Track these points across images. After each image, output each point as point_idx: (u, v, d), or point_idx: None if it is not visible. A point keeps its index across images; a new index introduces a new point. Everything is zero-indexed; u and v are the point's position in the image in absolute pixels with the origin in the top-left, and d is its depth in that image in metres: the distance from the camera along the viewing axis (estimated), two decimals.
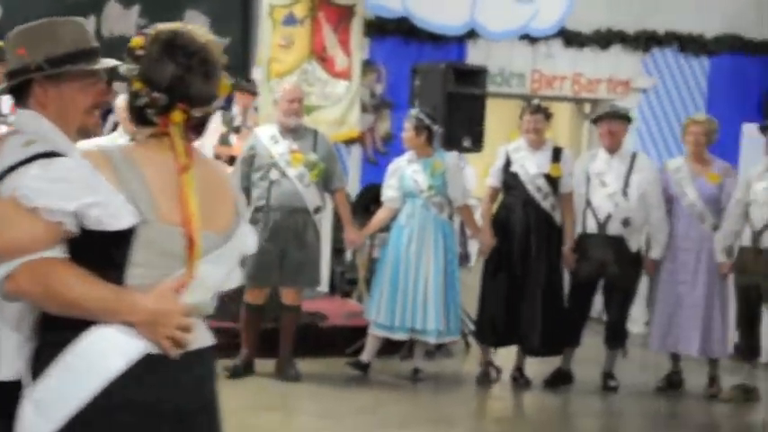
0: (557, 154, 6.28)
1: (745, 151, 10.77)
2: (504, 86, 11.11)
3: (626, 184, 6.21)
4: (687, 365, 6.49)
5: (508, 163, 6.27)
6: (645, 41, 11.53)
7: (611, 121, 6.31)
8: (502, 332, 6.19)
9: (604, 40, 11.39)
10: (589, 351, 6.46)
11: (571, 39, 11.18)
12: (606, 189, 6.21)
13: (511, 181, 6.25)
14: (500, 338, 6.26)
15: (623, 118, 6.41)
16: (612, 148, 6.30)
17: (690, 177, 6.31)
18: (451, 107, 7.48)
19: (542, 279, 6.15)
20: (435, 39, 9.85)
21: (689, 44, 11.68)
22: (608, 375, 6.37)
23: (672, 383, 6.45)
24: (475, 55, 10.54)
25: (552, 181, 6.19)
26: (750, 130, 10.94)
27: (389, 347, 6.47)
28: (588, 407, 6.07)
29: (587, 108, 11.55)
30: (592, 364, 6.43)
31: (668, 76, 11.78)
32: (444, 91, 7.51)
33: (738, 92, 11.86)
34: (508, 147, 6.40)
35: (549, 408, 6.10)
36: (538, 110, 6.26)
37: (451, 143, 7.32)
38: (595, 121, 6.49)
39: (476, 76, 8.00)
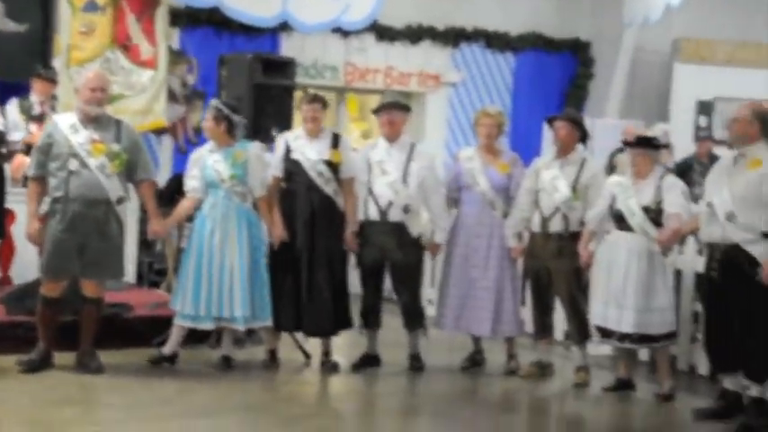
0: (335, 140, 6.40)
1: (548, 144, 11.28)
2: (318, 78, 11.23)
3: (405, 173, 6.40)
4: (490, 345, 6.75)
5: (288, 151, 6.33)
6: (453, 37, 11.90)
7: (391, 110, 6.49)
8: (291, 316, 6.26)
9: (415, 35, 11.69)
10: (400, 334, 6.60)
11: (383, 33, 11.42)
12: (387, 177, 6.39)
13: (293, 168, 6.32)
14: (286, 323, 6.31)
15: (403, 108, 6.62)
16: (392, 138, 6.48)
17: (481, 167, 6.56)
18: (259, 98, 7.50)
19: (326, 262, 6.26)
20: (248, 30, 9.84)
21: (495, 40, 12.14)
22: (413, 357, 6.54)
23: (475, 362, 6.69)
24: (289, 47, 10.60)
25: (333, 167, 6.30)
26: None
27: (198, 336, 6.43)
28: (394, 388, 6.21)
29: None
30: (402, 347, 6.58)
31: (476, 71, 12.20)
32: (251, 82, 7.51)
33: (542, 87, 12.42)
34: (287, 136, 6.48)
35: (356, 390, 6.22)
36: (314, 99, 6.38)
37: (259, 134, 7.34)
38: (376, 111, 6.62)
39: (284, 67, 8.04)
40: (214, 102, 6.43)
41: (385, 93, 7.51)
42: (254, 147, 6.47)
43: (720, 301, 5.47)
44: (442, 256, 6.76)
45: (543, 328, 6.56)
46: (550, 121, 6.57)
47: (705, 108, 12.53)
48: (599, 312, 6.15)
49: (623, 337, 6.00)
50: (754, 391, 5.40)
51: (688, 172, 10.10)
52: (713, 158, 11.11)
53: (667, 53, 12.68)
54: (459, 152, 6.92)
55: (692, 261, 6.70)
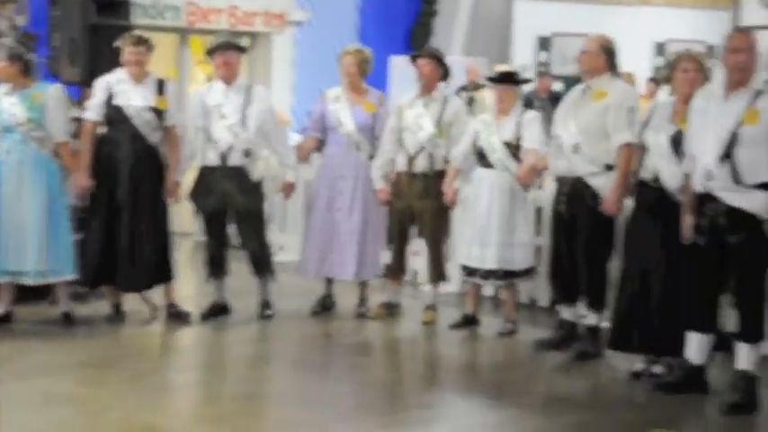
0: (161, 86, 6.19)
1: (394, 82, 11.33)
2: (159, 19, 10.84)
3: (244, 115, 6.26)
4: (339, 288, 6.77)
5: (110, 96, 6.08)
6: None
7: (226, 51, 6.31)
8: (102, 270, 6.06)
9: None
10: (250, 282, 6.54)
11: None
12: (225, 121, 6.23)
13: (115, 115, 6.05)
14: (99, 277, 6.11)
15: (237, 48, 6.44)
16: (228, 80, 6.32)
17: (347, 106, 6.49)
18: (95, 40, 7.16)
19: (149, 214, 6.08)
20: None
21: None
22: (263, 304, 6.49)
23: (325, 306, 6.70)
24: None
25: (159, 114, 6.10)
26: (398, 62, 11.53)
27: (36, 293, 6.19)
28: (244, 335, 6.18)
29: (246, 41, 11.51)
30: (252, 294, 6.52)
31: (321, 10, 12.06)
32: (85, 22, 7.16)
33: (387, 25, 12.40)
34: (108, 79, 6.15)
35: (206, 340, 6.14)
36: (139, 41, 6.13)
37: (97, 76, 7.03)
38: (209, 52, 6.38)
39: (120, 6, 7.69)
40: (6, 41, 6.10)
41: (217, 33, 7.27)
42: (55, 89, 6.10)
43: (566, 233, 5.63)
44: (302, 198, 6.68)
45: (398, 268, 6.59)
46: (414, 59, 6.50)
47: (544, 44, 12.82)
48: (464, 251, 6.22)
49: (488, 273, 6.12)
50: (590, 319, 5.63)
51: (528, 108, 10.33)
52: (552, 94, 11.42)
53: None
54: (325, 92, 6.84)
55: (551, 197, 6.83)
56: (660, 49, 12.95)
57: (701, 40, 11.51)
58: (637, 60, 11.68)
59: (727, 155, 4.61)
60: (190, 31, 11.27)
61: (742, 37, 4.81)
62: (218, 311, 6.43)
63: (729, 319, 4.90)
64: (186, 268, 7.49)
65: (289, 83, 11.70)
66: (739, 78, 4.68)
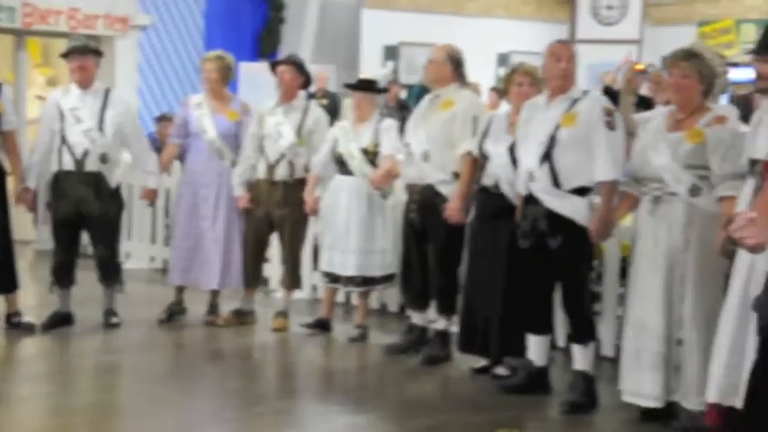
0: None
1: (243, 88, 11.25)
2: None
3: (101, 120, 6.13)
4: (189, 295, 6.67)
5: None
6: None
7: (82, 55, 6.15)
8: None
9: None
10: (95, 290, 6.37)
11: None
12: (81, 125, 6.09)
13: None
14: None
15: (94, 52, 6.30)
16: (85, 84, 6.17)
17: (209, 114, 6.41)
18: None
19: None
20: None
21: None
22: (109, 312, 6.34)
23: (174, 314, 6.59)
24: None
25: None
26: (247, 68, 11.47)
27: None
28: (89, 345, 6.00)
29: None
30: (96, 303, 6.35)
31: (166, 14, 11.85)
32: None
33: (234, 31, 12.30)
34: None
35: (49, 350, 5.92)
36: None
37: None
38: (65, 55, 6.21)
39: None
40: None
41: (71, 36, 7.06)
42: None
43: (417, 239, 5.73)
44: (161, 205, 6.54)
45: (253, 276, 6.54)
46: (273, 66, 6.48)
47: (392, 53, 13.02)
48: (326, 258, 6.23)
49: (348, 280, 6.14)
50: (440, 324, 5.76)
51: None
52: (400, 103, 11.60)
53: None
54: (188, 98, 6.70)
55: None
56: (503, 59, 13.36)
57: (542, 51, 11.89)
58: (481, 70, 12.02)
59: (547, 157, 4.79)
60: (26, 32, 10.84)
61: (563, 47, 5.00)
62: (60, 321, 6.23)
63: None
64: (28, 277, 7.21)
65: (133, 87, 11.43)
66: (561, 85, 4.87)
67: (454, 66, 5.65)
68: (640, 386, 4.56)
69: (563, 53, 4.92)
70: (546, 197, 4.81)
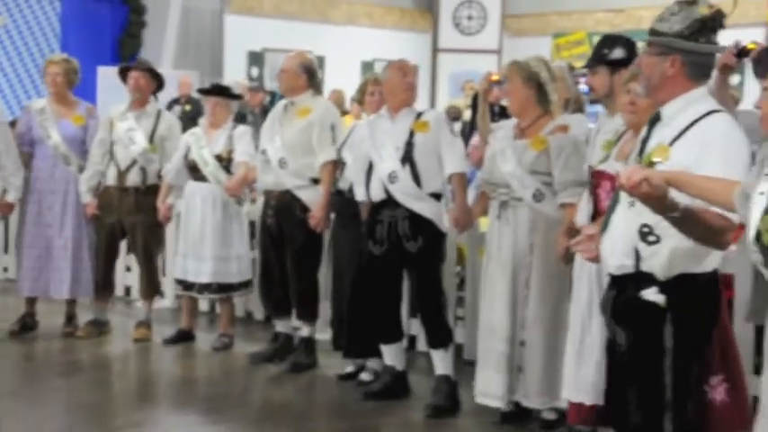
0: None
1: (101, 93, 10.97)
2: None
3: None
4: (44, 306, 6.44)
5: None
6: None
7: None
8: None
9: None
10: None
11: None
12: None
13: None
14: None
15: None
16: None
17: (53, 119, 6.21)
18: None
19: None
20: None
21: None
22: None
23: (25, 326, 6.35)
24: None
25: None
26: (105, 73, 11.17)
27: None
28: None
29: None
30: None
31: (19, 16, 11.45)
32: None
33: (92, 34, 11.98)
34: None
35: None
36: None
37: None
38: None
39: None
40: None
41: None
42: None
43: (275, 246, 5.69)
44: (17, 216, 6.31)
45: (105, 285, 6.38)
46: (124, 72, 6.32)
47: (256, 59, 12.94)
48: (179, 265, 6.12)
49: (203, 287, 6.05)
50: (304, 331, 5.74)
51: (241, 122, 10.37)
52: (265, 109, 11.52)
53: (218, 3, 12.86)
54: (30, 103, 6.43)
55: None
56: (368, 67, 13.47)
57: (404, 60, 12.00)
58: (345, 78, 12.10)
59: (408, 158, 4.91)
60: None
61: (408, 63, 5.18)
62: None
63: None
64: None
65: None
66: (407, 99, 5.04)
67: (308, 74, 5.67)
68: (488, 386, 4.64)
69: (408, 68, 5.12)
70: (407, 199, 4.88)
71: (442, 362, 5.01)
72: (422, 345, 5.74)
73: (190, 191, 6.11)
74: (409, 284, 5.18)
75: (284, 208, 5.59)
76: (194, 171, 6.05)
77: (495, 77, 5.18)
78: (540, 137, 4.54)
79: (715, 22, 3.03)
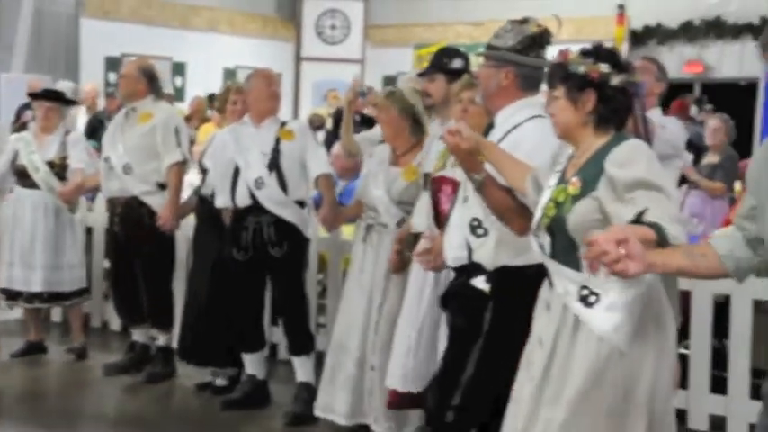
0: None
1: None
2: None
3: None
4: None
5: None
6: None
7: None
8: None
9: None
10: None
11: None
12: None
13: None
14: None
15: None
16: None
17: None
18: None
19: None
20: None
21: None
22: None
23: None
24: None
25: None
26: None
27: None
28: None
29: None
30: None
31: None
32: None
33: None
34: None
35: None
36: None
37: None
38: None
39: None
40: None
41: None
42: None
43: (123, 254, 5.60)
44: None
45: None
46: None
47: (113, 64, 12.63)
48: (5, 274, 5.91)
49: (32, 297, 5.85)
50: (161, 340, 5.64)
51: (99, 128, 10.10)
52: None
53: (72, 6, 12.51)
54: None
55: (102, 218, 6.74)
56: (229, 75, 13.36)
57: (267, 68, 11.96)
58: (207, 85, 11.95)
59: (275, 165, 4.94)
60: None
61: (272, 72, 5.27)
62: None
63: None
64: None
65: None
66: (271, 107, 5.08)
67: (148, 79, 5.61)
68: (333, 403, 4.67)
69: (273, 77, 5.20)
70: (273, 205, 4.90)
71: (302, 368, 5.02)
72: (283, 353, 5.71)
73: (17, 198, 5.92)
74: (272, 291, 5.16)
75: (131, 215, 5.51)
76: (23, 177, 5.87)
77: (357, 87, 5.27)
78: (412, 167, 4.59)
79: (543, 39, 3.33)
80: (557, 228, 2.77)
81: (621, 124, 2.84)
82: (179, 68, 13.37)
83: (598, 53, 2.81)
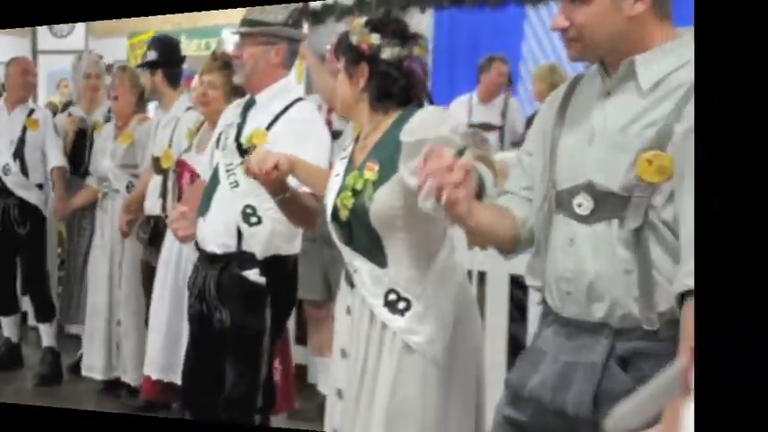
0: None
1: None
2: None
3: None
4: None
5: None
6: None
7: None
8: None
9: None
10: None
11: None
12: None
13: None
14: None
15: None
16: None
17: None
18: None
19: None
20: None
21: None
22: None
23: None
24: None
25: None
26: None
27: None
28: None
29: None
30: None
31: None
32: None
33: None
34: None
35: None
36: None
37: None
38: None
39: None
40: None
41: None
42: None
43: None
44: None
45: None
46: None
47: None
48: None
49: None
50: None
51: None
52: None
53: None
54: None
55: None
56: None
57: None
58: None
59: (19, 154, 5.38)
60: None
61: (29, 61, 5.78)
62: None
63: None
64: None
65: None
66: (24, 95, 5.49)
67: None
68: (92, 360, 5.06)
69: (30, 67, 5.60)
70: (18, 189, 5.33)
71: (46, 335, 5.35)
72: (31, 320, 5.94)
73: None
74: (20, 265, 5.43)
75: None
76: None
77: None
78: (128, 132, 4.98)
79: (307, 13, 3.31)
80: (356, 219, 2.40)
81: (407, 101, 2.46)
82: None
83: (378, 23, 2.46)
